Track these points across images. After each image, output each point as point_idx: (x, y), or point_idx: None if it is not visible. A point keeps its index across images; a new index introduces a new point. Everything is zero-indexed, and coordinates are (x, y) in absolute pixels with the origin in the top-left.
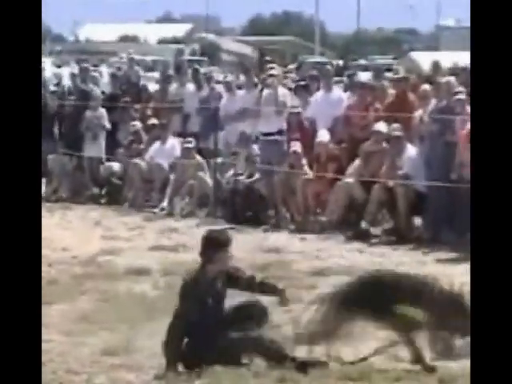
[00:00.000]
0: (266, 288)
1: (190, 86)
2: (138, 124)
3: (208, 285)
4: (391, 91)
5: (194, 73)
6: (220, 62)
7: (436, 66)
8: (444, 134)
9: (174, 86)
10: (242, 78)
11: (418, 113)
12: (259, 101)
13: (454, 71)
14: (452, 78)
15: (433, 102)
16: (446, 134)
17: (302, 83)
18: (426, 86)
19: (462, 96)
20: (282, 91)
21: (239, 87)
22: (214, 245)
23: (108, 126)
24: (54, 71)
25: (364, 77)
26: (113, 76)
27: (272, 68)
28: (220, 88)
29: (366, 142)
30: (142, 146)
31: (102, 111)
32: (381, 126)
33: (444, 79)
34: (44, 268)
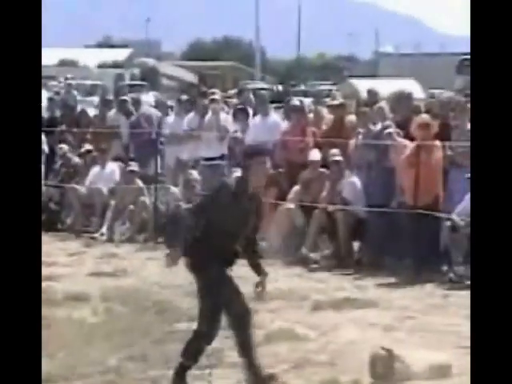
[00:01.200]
0: (257, 259)
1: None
2: (64, 147)
3: (243, 196)
4: (329, 116)
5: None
6: (160, 87)
7: (372, 92)
8: (379, 160)
9: (113, 111)
10: (183, 103)
11: (353, 139)
12: (201, 126)
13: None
14: (383, 104)
15: (367, 128)
16: (382, 160)
17: (240, 107)
18: (363, 111)
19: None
20: (223, 116)
21: (179, 112)
22: (252, 155)
23: (46, 150)
24: None
25: (305, 102)
26: (50, 100)
27: (213, 93)
28: (156, 113)
29: (305, 170)
30: (71, 170)
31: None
32: (315, 155)
33: (377, 105)
34: None
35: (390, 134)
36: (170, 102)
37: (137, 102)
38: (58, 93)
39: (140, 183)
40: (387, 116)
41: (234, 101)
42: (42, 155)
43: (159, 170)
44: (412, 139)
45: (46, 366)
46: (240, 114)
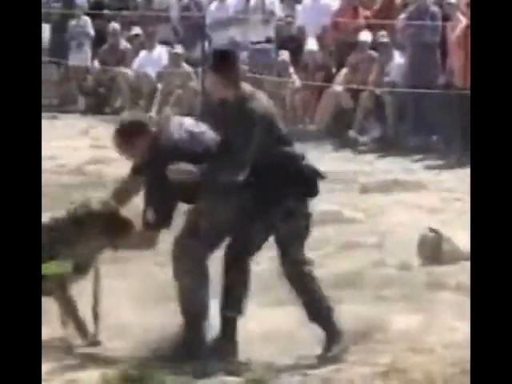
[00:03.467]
0: None
1: None
2: (116, 26)
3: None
4: None
5: None
6: None
7: None
8: (426, 39)
9: None
10: None
11: (401, 17)
12: (247, 9)
13: None
14: None
15: (413, 6)
16: (428, 38)
17: None
18: None
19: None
20: None
21: None
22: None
23: (92, 33)
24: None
25: None
26: None
27: None
28: None
29: (353, 53)
30: (119, 53)
31: (86, 19)
32: (364, 36)
33: None
34: None
35: (434, 12)
36: None
37: None
38: None
39: (187, 67)
40: None
41: None
42: (88, 39)
43: (206, 54)
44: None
45: None
46: None
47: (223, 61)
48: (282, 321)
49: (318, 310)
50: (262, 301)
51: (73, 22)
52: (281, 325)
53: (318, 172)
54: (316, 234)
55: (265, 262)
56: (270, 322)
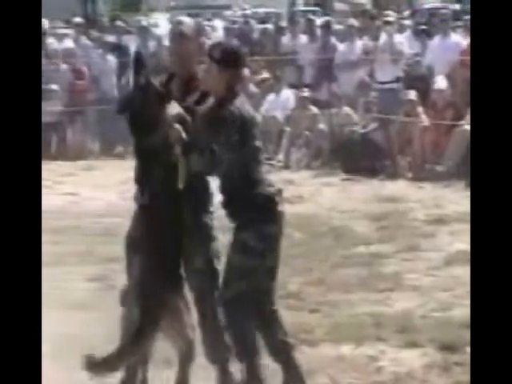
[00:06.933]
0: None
1: (303, 37)
2: (245, 71)
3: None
4: None
5: (308, 23)
6: (334, 11)
7: None
8: None
9: (286, 38)
10: (356, 26)
11: None
12: (375, 49)
13: None
14: None
15: None
16: None
17: (422, 27)
18: None
19: None
20: (397, 38)
21: (354, 36)
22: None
23: None
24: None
25: None
26: (226, 29)
27: (387, 15)
28: (333, 38)
29: None
30: (248, 95)
31: None
32: None
33: None
34: None
35: None
36: (341, 27)
37: (311, 25)
38: (234, 22)
39: (314, 109)
40: None
41: (408, 22)
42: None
43: (333, 95)
44: None
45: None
46: (421, 34)
47: (232, 58)
48: None
49: None
50: None
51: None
52: None
53: (273, 199)
54: (448, 273)
55: None
56: None
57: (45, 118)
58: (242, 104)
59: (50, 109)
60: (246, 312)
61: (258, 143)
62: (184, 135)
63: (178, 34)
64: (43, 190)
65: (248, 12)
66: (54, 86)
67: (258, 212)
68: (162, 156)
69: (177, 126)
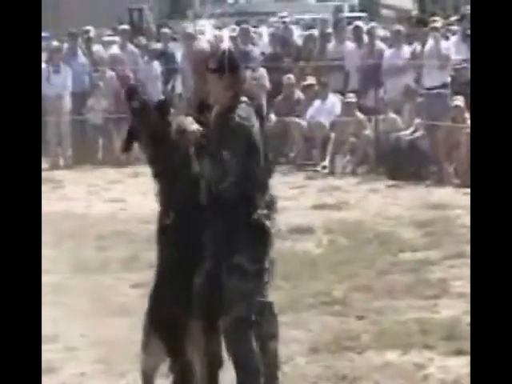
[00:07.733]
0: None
1: (349, 44)
2: (291, 77)
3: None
4: None
5: (355, 30)
6: (380, 17)
7: None
8: None
9: (332, 44)
10: (403, 32)
11: None
12: (422, 54)
13: None
14: None
15: None
16: None
17: (466, 33)
18: None
19: None
20: (444, 44)
21: (400, 42)
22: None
23: (268, 85)
24: (215, 33)
25: None
26: (272, 36)
27: (434, 21)
28: (380, 44)
29: None
30: (294, 101)
31: (263, 71)
32: None
33: None
34: None
35: None
36: (387, 33)
37: (358, 31)
38: (279, 28)
39: (360, 115)
40: None
41: (456, 27)
42: (264, 91)
43: (379, 101)
44: None
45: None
46: (465, 41)
47: (226, 64)
48: None
49: None
50: None
51: (248, 74)
52: None
53: (264, 228)
54: None
55: None
56: None
57: (92, 121)
58: (243, 111)
59: (94, 114)
60: (247, 335)
61: (260, 156)
62: (201, 136)
63: (191, 52)
64: (90, 197)
65: (294, 18)
66: (100, 91)
67: (250, 237)
68: (184, 172)
69: (193, 127)
